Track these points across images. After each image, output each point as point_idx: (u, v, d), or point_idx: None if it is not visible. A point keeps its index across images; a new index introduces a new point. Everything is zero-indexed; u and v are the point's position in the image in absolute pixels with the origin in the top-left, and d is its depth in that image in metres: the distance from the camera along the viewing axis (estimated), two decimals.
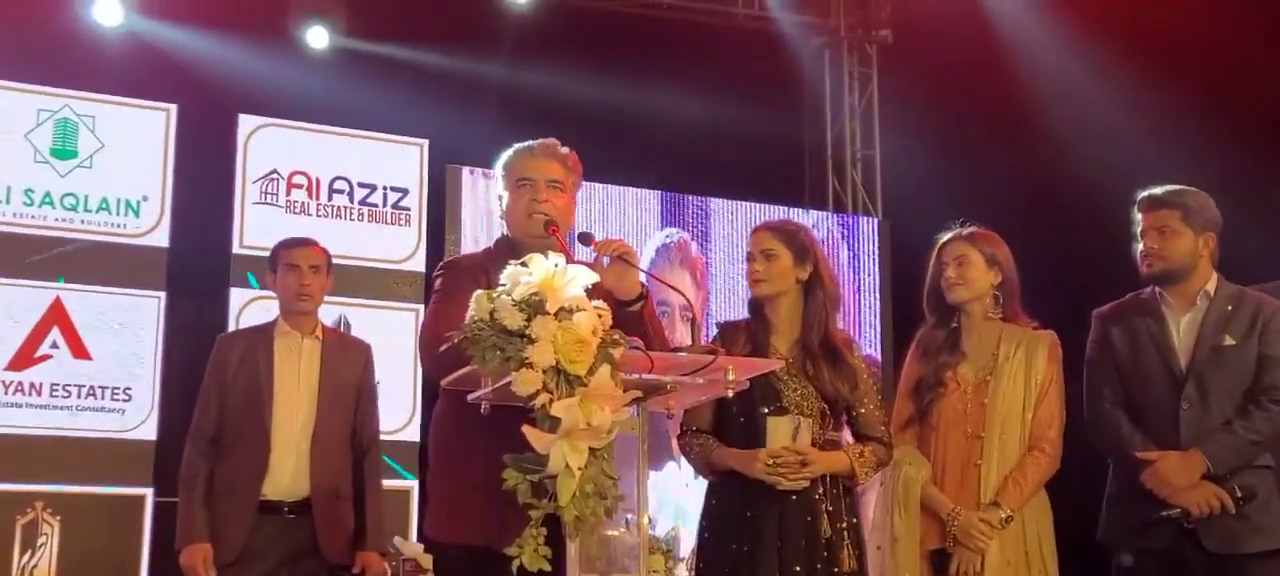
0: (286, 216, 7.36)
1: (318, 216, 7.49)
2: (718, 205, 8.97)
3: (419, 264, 7.68)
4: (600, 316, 2.93)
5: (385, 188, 7.72)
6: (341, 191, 7.61)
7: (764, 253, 4.04)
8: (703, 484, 4.12)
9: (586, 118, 7.41)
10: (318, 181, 7.56)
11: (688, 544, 7.13)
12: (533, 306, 2.87)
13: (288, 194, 7.48)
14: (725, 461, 3.92)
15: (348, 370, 4.96)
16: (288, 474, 4.75)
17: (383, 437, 5.17)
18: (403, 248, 7.69)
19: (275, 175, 7.45)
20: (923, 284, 4.47)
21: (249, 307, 7.09)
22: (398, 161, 7.78)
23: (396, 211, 7.71)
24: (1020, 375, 4.23)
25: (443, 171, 8.10)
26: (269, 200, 7.42)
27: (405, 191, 7.74)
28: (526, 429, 2.83)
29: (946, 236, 4.39)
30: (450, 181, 8.16)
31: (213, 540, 4.69)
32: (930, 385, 4.29)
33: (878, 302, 9.34)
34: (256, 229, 7.27)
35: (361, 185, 7.67)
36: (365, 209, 7.66)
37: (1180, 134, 7.45)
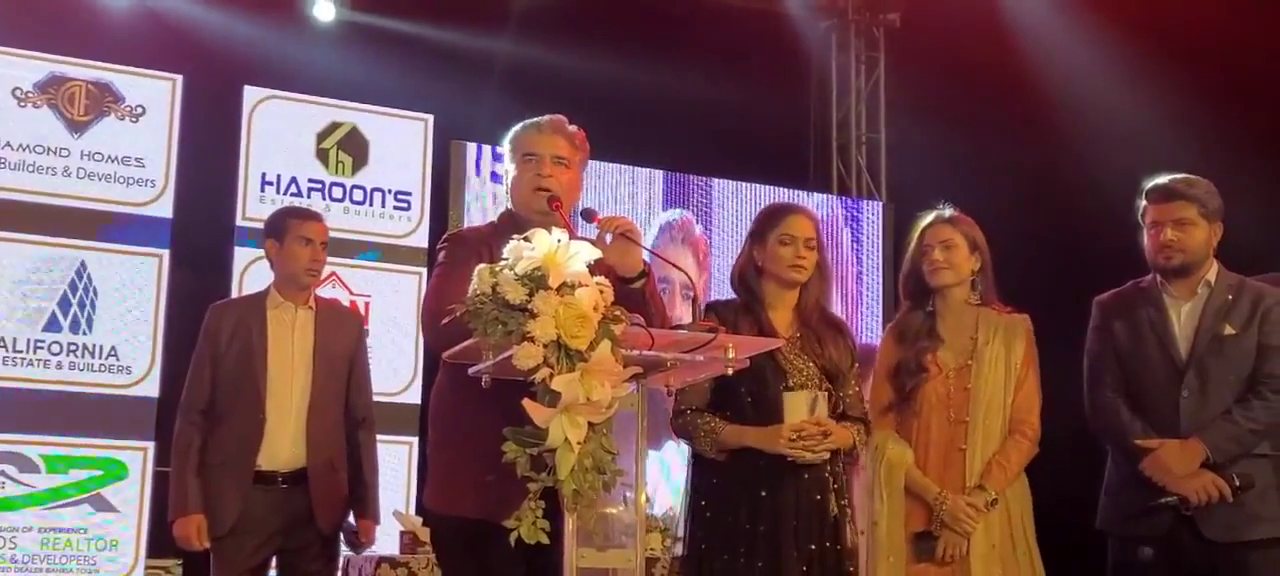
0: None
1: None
2: (721, 186, 8.96)
3: (422, 239, 7.70)
4: (602, 292, 2.94)
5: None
6: None
7: (808, 241, 4.07)
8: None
9: (592, 96, 7.39)
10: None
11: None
12: (535, 281, 2.88)
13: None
14: (740, 440, 3.91)
15: (341, 340, 4.94)
16: (285, 444, 4.73)
17: (383, 399, 5.17)
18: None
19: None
20: None
21: (251, 269, 7.10)
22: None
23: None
24: (1000, 360, 4.24)
25: (447, 147, 8.11)
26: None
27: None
28: (527, 402, 2.84)
29: (928, 219, 4.39)
30: (454, 157, 8.17)
31: (206, 510, 4.69)
32: (912, 370, 4.28)
33: (880, 286, 9.34)
34: (259, 201, 7.31)
35: None
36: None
37: (1185, 121, 7.45)
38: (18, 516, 6.65)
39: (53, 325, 6.82)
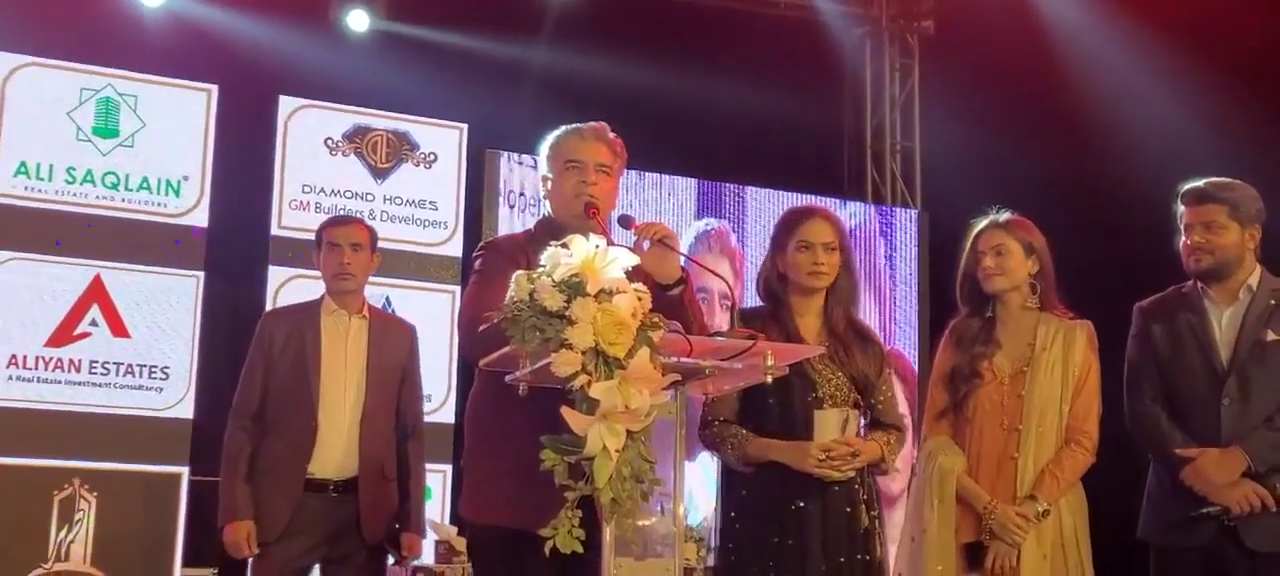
0: (326, 199, 7.43)
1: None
2: (754, 194, 8.94)
3: (456, 248, 7.69)
4: (640, 299, 2.92)
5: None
6: None
7: (826, 245, 4.03)
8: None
9: (625, 104, 7.37)
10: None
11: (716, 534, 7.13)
12: (573, 288, 2.86)
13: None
14: (768, 454, 3.89)
15: (394, 350, 4.97)
16: (337, 452, 4.76)
17: None
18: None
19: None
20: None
21: (287, 287, 7.12)
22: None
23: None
24: (1058, 366, 4.19)
25: (481, 156, 8.11)
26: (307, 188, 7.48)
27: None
28: (565, 410, 2.82)
29: (981, 225, 4.35)
30: (489, 166, 8.17)
31: (256, 517, 4.71)
32: (966, 375, 4.24)
33: (915, 294, 9.29)
34: (295, 210, 7.35)
35: None
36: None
37: (1224, 125, 7.37)
38: None
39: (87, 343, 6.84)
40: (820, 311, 4.08)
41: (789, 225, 4.11)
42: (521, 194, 8.19)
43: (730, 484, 4.02)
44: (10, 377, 6.63)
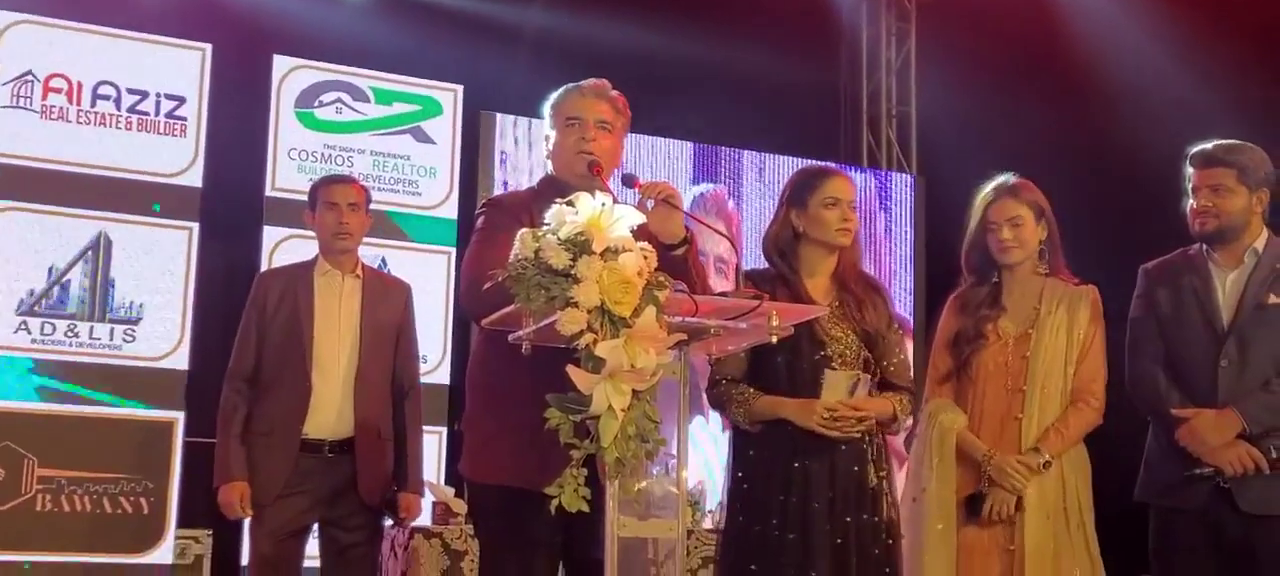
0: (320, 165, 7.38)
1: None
2: (750, 158, 8.92)
3: (452, 210, 7.67)
4: (646, 258, 2.90)
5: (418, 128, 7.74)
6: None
7: (851, 204, 4.01)
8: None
9: (621, 66, 7.21)
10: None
11: (712, 496, 7.14)
12: (578, 246, 2.85)
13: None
14: (774, 411, 3.86)
15: (389, 309, 4.95)
16: (332, 412, 4.74)
17: None
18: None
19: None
20: (957, 242, 4.42)
21: (282, 246, 7.09)
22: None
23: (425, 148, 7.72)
24: (1062, 329, 4.18)
25: (476, 117, 8.08)
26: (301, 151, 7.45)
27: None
28: (571, 369, 2.82)
29: (991, 194, 4.31)
30: (484, 127, 8.14)
31: (252, 478, 4.70)
32: (970, 337, 4.23)
33: (911, 260, 9.29)
34: (288, 170, 7.32)
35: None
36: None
37: (1228, 86, 7.34)
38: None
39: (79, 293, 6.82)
40: (830, 270, 4.05)
41: (810, 183, 4.05)
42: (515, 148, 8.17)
43: (739, 445, 3.99)
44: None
